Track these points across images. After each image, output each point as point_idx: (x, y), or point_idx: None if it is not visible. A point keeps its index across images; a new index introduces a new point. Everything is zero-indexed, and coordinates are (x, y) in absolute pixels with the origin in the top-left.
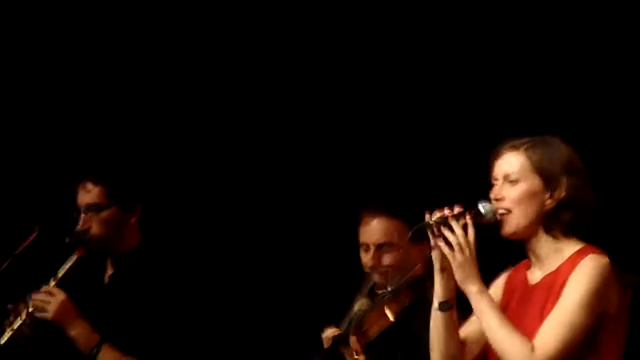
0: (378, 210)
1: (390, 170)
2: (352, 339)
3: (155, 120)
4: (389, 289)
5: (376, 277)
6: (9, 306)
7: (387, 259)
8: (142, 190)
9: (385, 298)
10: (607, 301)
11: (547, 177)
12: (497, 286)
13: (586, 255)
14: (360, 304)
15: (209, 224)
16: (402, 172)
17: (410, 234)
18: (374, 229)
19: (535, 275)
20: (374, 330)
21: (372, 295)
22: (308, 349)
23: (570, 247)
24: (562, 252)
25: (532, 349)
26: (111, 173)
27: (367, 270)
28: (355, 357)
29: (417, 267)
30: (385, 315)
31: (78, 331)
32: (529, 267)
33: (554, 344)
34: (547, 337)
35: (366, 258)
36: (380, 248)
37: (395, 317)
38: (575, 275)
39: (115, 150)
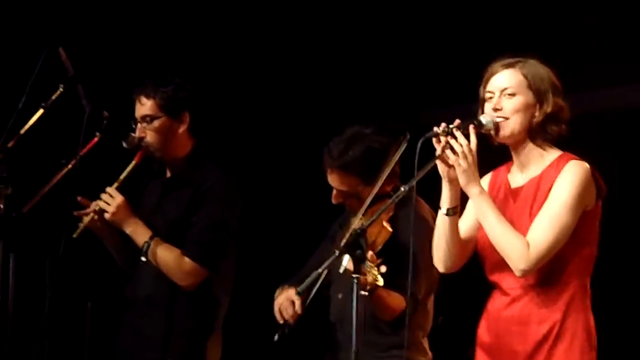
0: (330, 166)
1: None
2: (370, 254)
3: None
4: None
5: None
6: (79, 198)
7: (349, 201)
8: (189, 101)
9: (381, 213)
10: (587, 200)
11: (538, 93)
12: (484, 186)
13: (568, 161)
14: (355, 223)
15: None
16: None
17: (419, 142)
18: (331, 179)
19: (517, 178)
20: (379, 241)
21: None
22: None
23: (551, 155)
24: (543, 159)
25: (527, 246)
26: (161, 88)
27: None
28: (375, 268)
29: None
30: (384, 226)
31: (132, 228)
32: (509, 172)
33: (545, 241)
34: (539, 237)
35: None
36: (340, 192)
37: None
38: (561, 179)
39: (168, 66)
